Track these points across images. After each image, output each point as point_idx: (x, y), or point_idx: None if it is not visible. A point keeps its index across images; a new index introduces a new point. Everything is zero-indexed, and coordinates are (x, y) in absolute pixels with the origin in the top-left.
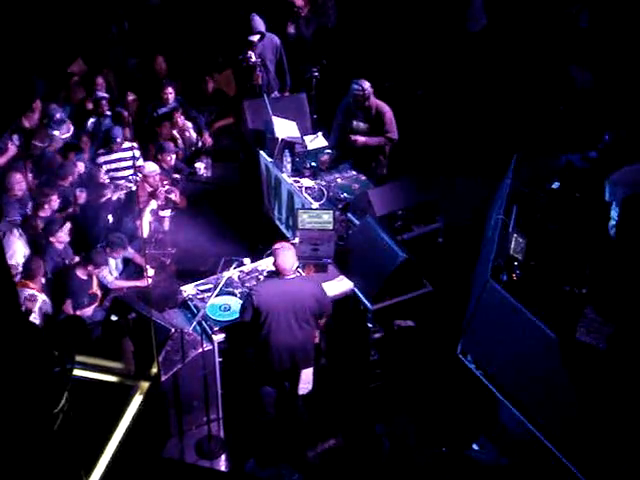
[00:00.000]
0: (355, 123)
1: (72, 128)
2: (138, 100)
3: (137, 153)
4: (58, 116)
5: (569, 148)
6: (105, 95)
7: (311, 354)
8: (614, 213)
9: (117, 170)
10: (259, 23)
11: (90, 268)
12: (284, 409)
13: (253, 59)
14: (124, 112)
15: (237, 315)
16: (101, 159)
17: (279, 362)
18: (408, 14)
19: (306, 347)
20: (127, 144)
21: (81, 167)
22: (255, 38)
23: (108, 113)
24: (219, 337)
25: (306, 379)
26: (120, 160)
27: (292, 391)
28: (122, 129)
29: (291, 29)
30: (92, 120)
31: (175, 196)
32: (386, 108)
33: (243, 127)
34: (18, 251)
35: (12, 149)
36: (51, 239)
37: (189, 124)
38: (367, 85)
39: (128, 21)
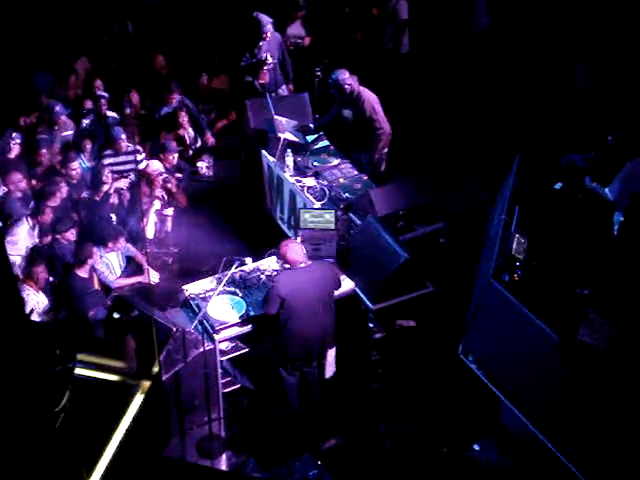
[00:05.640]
0: (345, 112)
1: (73, 125)
2: (140, 99)
3: (140, 157)
4: (57, 109)
5: (572, 149)
6: (105, 94)
7: (333, 333)
8: (618, 216)
9: (120, 172)
10: (266, 17)
11: (79, 266)
12: (304, 397)
13: (269, 60)
14: (127, 110)
15: (240, 314)
16: (106, 160)
17: (307, 350)
18: (412, 13)
19: (331, 329)
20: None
21: (77, 167)
22: (268, 31)
23: (109, 114)
24: (220, 336)
25: (331, 360)
26: (125, 163)
27: (319, 375)
28: (123, 129)
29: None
30: (89, 119)
31: (172, 186)
32: (365, 95)
33: (245, 126)
34: (22, 240)
35: (16, 148)
36: (57, 236)
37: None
38: (340, 76)
39: (131, 21)
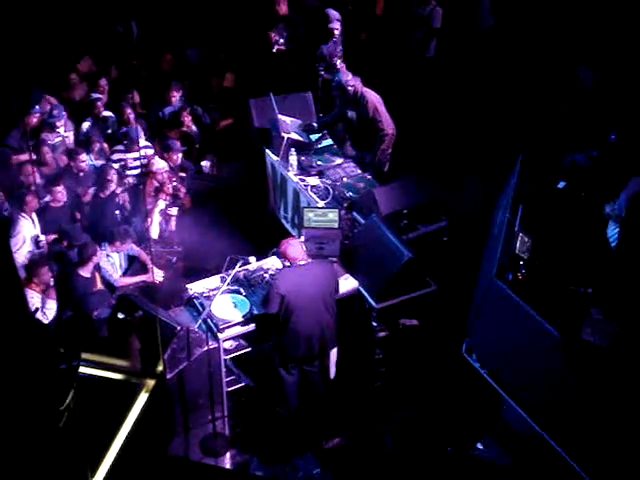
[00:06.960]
0: (350, 113)
1: (72, 126)
2: (142, 98)
3: (150, 152)
4: (55, 112)
5: (575, 147)
6: (100, 96)
7: (335, 332)
8: (611, 229)
9: (129, 168)
10: (334, 12)
11: (82, 265)
12: (307, 396)
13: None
14: (128, 110)
15: (244, 312)
16: (116, 156)
17: (308, 348)
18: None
19: (333, 328)
20: (143, 143)
21: (86, 160)
22: (337, 24)
23: (106, 114)
24: (224, 335)
25: (333, 360)
26: (134, 159)
27: (321, 374)
28: (141, 129)
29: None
30: (89, 122)
31: (181, 194)
32: (369, 96)
33: (250, 125)
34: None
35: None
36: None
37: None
38: (343, 77)
39: (136, 20)
